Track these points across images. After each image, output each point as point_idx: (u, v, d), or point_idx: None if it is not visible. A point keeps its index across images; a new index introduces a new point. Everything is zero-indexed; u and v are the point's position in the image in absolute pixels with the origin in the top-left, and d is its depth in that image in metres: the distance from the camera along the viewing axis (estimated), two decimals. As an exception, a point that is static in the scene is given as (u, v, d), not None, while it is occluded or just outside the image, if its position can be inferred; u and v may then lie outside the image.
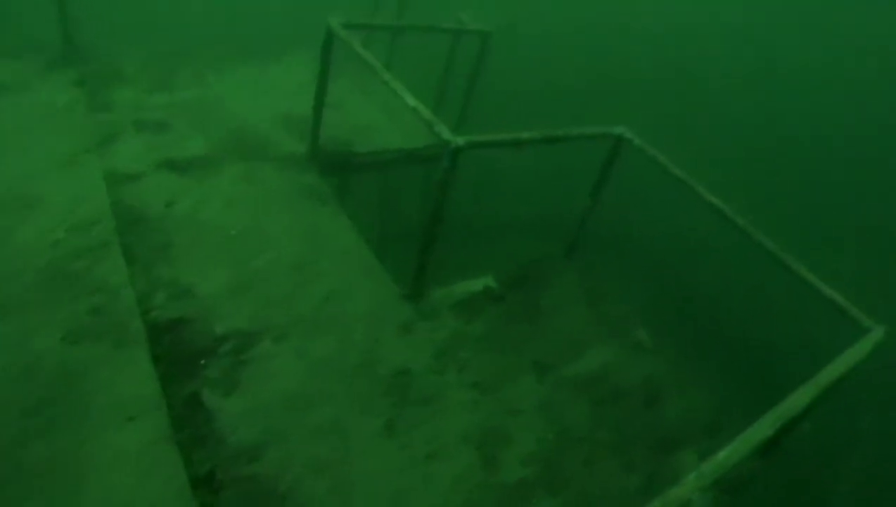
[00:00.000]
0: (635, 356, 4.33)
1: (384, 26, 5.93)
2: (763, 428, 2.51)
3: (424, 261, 4.01)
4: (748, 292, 8.22)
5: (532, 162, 6.60)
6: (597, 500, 3.42)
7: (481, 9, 6.23)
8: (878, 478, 7.83)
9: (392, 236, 5.66)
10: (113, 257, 3.80)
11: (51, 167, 4.40)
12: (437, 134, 3.63)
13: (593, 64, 12.13)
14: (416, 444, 3.39)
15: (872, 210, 10.90)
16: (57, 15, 5.45)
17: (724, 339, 5.98)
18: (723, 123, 11.97)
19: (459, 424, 3.55)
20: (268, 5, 9.24)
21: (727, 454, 2.30)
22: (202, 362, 3.44)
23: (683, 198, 4.19)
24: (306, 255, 4.36)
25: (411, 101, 3.86)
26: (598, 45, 12.89)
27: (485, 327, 4.19)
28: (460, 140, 3.54)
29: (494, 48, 5.74)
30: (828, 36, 15.17)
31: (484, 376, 3.86)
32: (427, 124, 3.72)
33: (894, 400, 8.58)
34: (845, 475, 7.87)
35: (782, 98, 13.78)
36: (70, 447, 2.85)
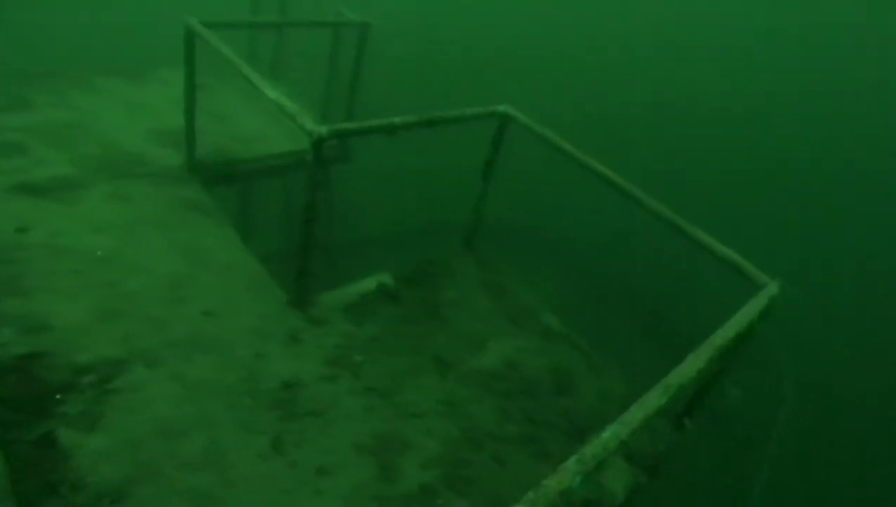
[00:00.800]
0: (544, 344, 4.21)
1: (249, 24, 5.67)
2: (652, 400, 2.38)
3: (304, 265, 3.78)
4: (656, 267, 8.26)
5: (431, 162, 6.48)
6: (509, 496, 3.24)
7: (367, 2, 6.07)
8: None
9: (285, 244, 5.39)
10: (-51, 294, 3.40)
11: None
12: (300, 126, 3.41)
13: (478, 45, 12.21)
14: (305, 460, 3.15)
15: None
16: None
17: (637, 316, 5.99)
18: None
19: (353, 433, 3.33)
20: (141, 19, 8.80)
21: (611, 434, 2.15)
22: (58, 397, 3.09)
23: (577, 177, 4.11)
24: (185, 272, 4.05)
25: (272, 93, 3.64)
26: (482, 26, 12.96)
27: (379, 327, 3.98)
28: (323, 129, 3.34)
29: (387, 41, 5.58)
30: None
31: (380, 380, 3.65)
32: (290, 117, 3.49)
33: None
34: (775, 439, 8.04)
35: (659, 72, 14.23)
36: None
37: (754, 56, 16.32)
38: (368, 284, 4.27)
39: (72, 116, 5.27)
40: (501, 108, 4.15)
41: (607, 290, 8.93)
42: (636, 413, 2.23)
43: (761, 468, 7.54)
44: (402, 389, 3.65)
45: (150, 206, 4.50)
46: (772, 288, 3.18)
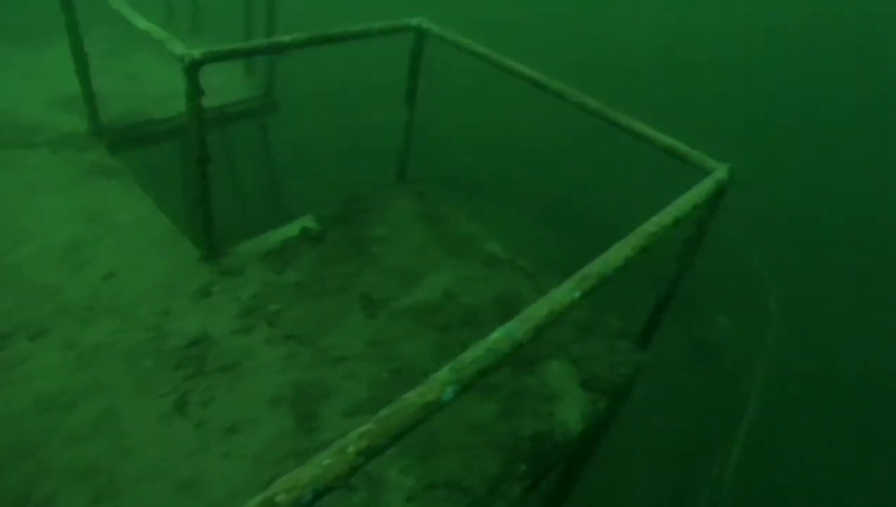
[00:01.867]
0: (487, 271, 3.84)
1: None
2: (564, 293, 1.98)
3: (207, 213, 3.40)
4: (604, 176, 7.75)
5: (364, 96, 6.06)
6: (446, 437, 2.91)
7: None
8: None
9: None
10: None
11: None
12: (171, 52, 3.01)
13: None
14: (213, 419, 2.81)
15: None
16: None
17: (586, 231, 5.62)
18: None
19: (269, 385, 2.98)
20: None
21: (503, 334, 1.74)
22: None
23: (513, 91, 3.71)
24: (85, 236, 3.69)
25: (142, 24, 3.23)
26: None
27: (301, 272, 3.62)
28: (196, 52, 2.93)
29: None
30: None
31: (301, 326, 3.30)
32: (160, 44, 3.09)
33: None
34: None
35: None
36: None
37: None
38: (291, 229, 3.90)
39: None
40: (415, 21, 3.73)
41: (555, 210, 8.56)
42: (541, 308, 1.84)
43: (749, 401, 7.26)
44: (325, 333, 3.30)
45: (46, 173, 4.12)
46: (719, 172, 2.79)
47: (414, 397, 1.43)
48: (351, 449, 1.29)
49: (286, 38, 3.21)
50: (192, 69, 2.96)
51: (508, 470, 2.76)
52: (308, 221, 3.96)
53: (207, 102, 5.05)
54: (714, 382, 7.97)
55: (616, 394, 3.26)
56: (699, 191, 2.59)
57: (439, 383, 1.47)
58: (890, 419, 7.59)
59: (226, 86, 5.36)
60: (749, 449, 6.67)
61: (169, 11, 6.31)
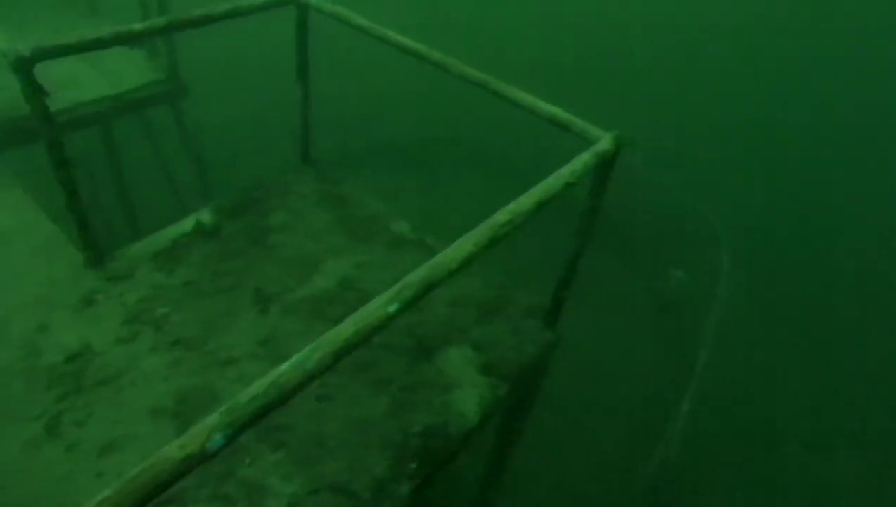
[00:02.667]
0: (391, 254, 3.69)
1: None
2: (377, 307, 1.81)
3: (80, 216, 3.20)
4: (512, 146, 7.52)
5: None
6: (333, 437, 2.81)
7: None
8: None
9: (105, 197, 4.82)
10: None
11: None
12: None
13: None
14: (88, 439, 2.68)
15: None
16: None
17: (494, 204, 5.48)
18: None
19: (151, 396, 2.85)
20: None
21: (290, 366, 1.57)
22: None
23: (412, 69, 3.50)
24: (-46, 250, 3.47)
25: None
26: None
27: (192, 271, 3.45)
28: (25, 50, 2.68)
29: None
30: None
31: (189, 329, 3.15)
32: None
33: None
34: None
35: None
36: None
37: None
38: (184, 225, 3.71)
39: None
40: (290, -9, 3.48)
41: (464, 184, 8.42)
42: (344, 330, 1.68)
43: (702, 347, 7.29)
44: (215, 335, 3.15)
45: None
46: (603, 143, 2.62)
47: (172, 450, 1.29)
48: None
49: (137, 27, 2.96)
50: (23, 68, 2.71)
51: (397, 469, 2.67)
52: (203, 215, 3.78)
53: (102, 90, 4.84)
54: (669, 330, 8.03)
55: (520, 378, 3.17)
56: (573, 167, 2.44)
57: (205, 429, 1.34)
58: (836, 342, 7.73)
59: (124, 70, 5.07)
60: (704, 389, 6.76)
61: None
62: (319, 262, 3.57)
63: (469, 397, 3.01)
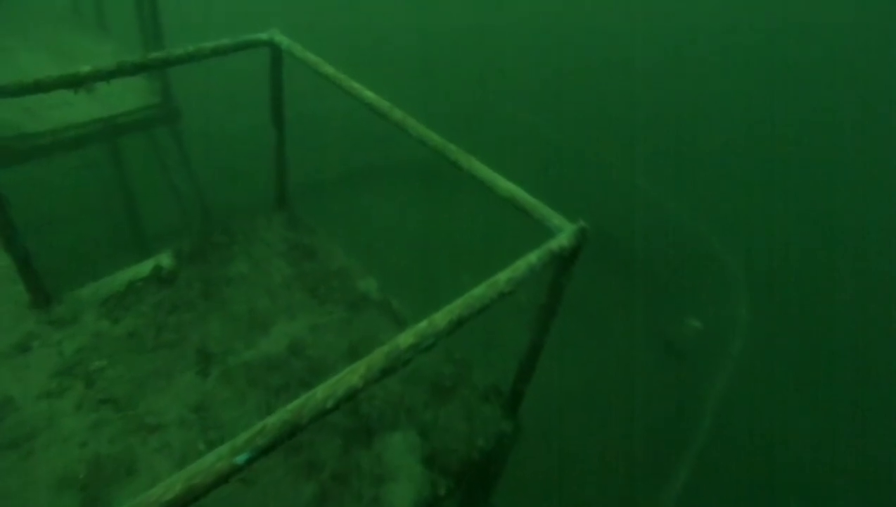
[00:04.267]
0: (350, 316, 3.47)
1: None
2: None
3: (19, 256, 3.06)
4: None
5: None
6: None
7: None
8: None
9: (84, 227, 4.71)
10: None
11: None
12: None
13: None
14: (-14, 509, 2.50)
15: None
16: None
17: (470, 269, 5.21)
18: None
19: (62, 462, 2.67)
20: None
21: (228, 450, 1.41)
22: None
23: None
24: None
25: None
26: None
27: (139, 321, 3.28)
28: None
29: None
30: None
31: (122, 387, 2.98)
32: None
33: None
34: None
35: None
36: None
37: None
38: (142, 268, 3.56)
39: None
40: (265, 35, 3.31)
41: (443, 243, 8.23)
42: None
43: (708, 399, 6.90)
44: (147, 396, 2.97)
45: None
46: (562, 238, 2.32)
47: None
48: None
49: (85, 70, 2.80)
50: None
51: (306, 575, 2.44)
52: (164, 258, 3.62)
53: (93, 112, 4.75)
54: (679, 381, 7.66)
55: (467, 473, 2.90)
56: (512, 273, 2.12)
57: None
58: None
59: (118, 92, 4.98)
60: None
61: (74, 4, 5.92)
62: (271, 322, 3.36)
63: (405, 492, 2.75)
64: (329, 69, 3.06)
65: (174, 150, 5.57)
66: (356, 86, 2.96)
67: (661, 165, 10.51)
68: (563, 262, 2.40)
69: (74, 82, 2.77)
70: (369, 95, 2.91)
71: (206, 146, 6.12)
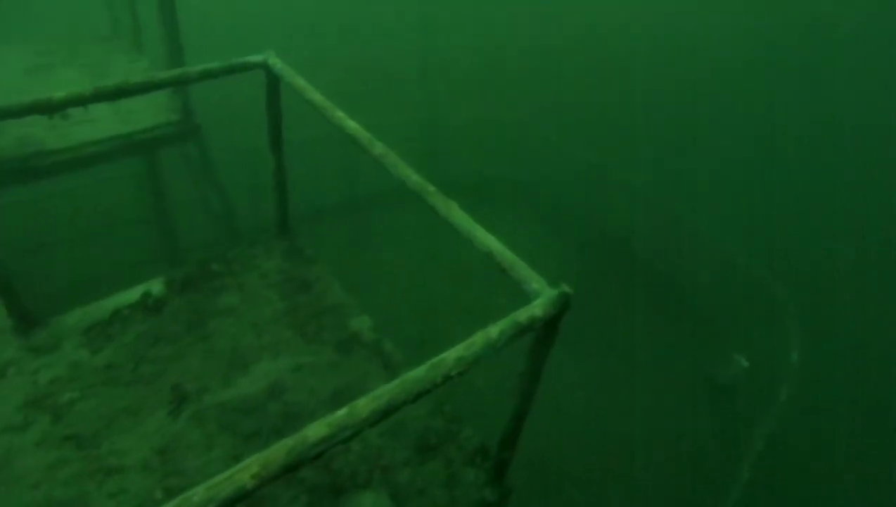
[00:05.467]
0: (338, 359, 3.25)
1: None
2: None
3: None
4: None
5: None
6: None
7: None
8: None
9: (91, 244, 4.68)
10: None
11: None
12: None
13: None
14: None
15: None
16: None
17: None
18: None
19: (10, 504, 2.53)
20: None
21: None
22: None
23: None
24: None
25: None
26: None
27: (119, 353, 3.15)
28: None
29: None
30: None
31: (90, 424, 2.84)
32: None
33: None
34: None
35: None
36: None
37: None
38: (130, 295, 3.44)
39: None
40: (259, 57, 3.15)
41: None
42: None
43: (756, 442, 6.37)
44: (114, 434, 2.82)
45: None
46: (540, 304, 1.99)
47: None
48: None
49: (59, 96, 2.68)
50: None
51: None
52: (155, 285, 3.50)
53: (115, 128, 4.73)
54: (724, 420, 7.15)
55: None
56: (465, 352, 1.81)
57: None
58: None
59: (139, 108, 4.96)
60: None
61: (114, 24, 5.98)
62: (253, 360, 3.17)
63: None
64: (316, 96, 2.86)
65: (199, 165, 5.51)
66: (340, 115, 2.75)
67: (708, 194, 9.95)
68: (538, 333, 2.09)
69: (47, 108, 2.65)
70: (351, 124, 2.69)
71: (233, 162, 6.05)
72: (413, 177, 2.43)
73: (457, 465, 2.83)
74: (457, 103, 10.93)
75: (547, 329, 2.04)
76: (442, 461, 2.84)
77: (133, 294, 3.44)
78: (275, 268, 3.67)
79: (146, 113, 4.95)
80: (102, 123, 4.81)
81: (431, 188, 2.37)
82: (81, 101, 2.72)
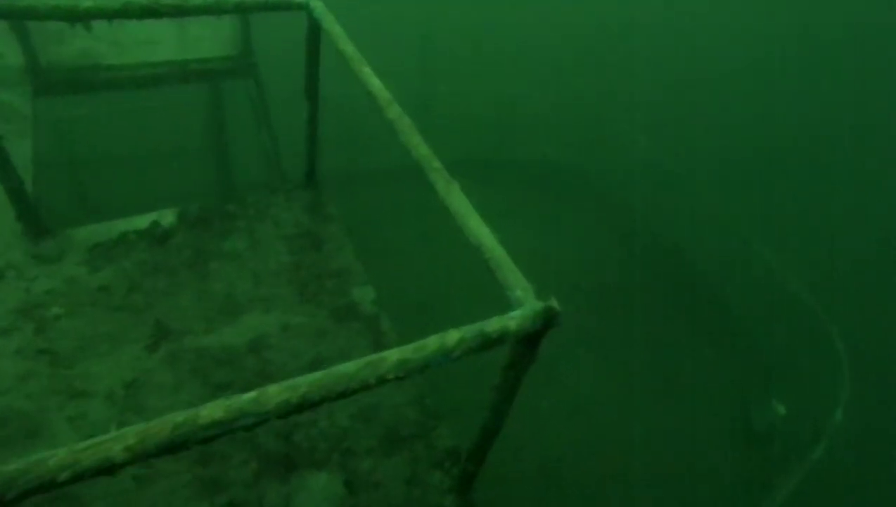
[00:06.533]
0: (330, 325, 3.09)
1: None
2: None
3: (9, 182, 2.96)
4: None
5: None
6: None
7: None
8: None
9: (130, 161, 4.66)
10: None
11: None
12: None
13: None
14: None
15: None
16: None
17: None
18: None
19: (-28, 410, 2.51)
20: None
21: None
22: None
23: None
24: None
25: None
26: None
27: (116, 276, 3.10)
28: None
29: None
30: None
31: (67, 343, 2.80)
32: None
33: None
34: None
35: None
36: None
37: None
38: (140, 220, 3.38)
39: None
40: (301, -1, 2.96)
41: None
42: None
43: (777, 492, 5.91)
44: (88, 358, 2.76)
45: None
46: (509, 320, 1.72)
47: None
48: None
49: (86, 4, 2.57)
50: None
51: None
52: (167, 216, 3.42)
53: (172, 54, 4.69)
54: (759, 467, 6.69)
55: None
56: (410, 355, 1.56)
57: None
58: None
59: (205, 38, 4.90)
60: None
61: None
62: (244, 310, 3.05)
63: None
64: (349, 47, 2.65)
65: (257, 103, 5.44)
66: (367, 70, 2.53)
67: (780, 221, 9.27)
68: (514, 348, 1.83)
69: (71, 16, 2.55)
70: (375, 83, 2.47)
71: (291, 104, 5.96)
72: (421, 148, 2.19)
73: (423, 464, 2.63)
74: (535, 88, 10.60)
75: (524, 346, 1.77)
76: (408, 456, 2.64)
77: (142, 221, 3.37)
78: (291, 219, 3.53)
79: (208, 43, 4.89)
80: (164, 46, 4.78)
81: (436, 164, 2.13)
82: (108, 14, 2.61)
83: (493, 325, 1.61)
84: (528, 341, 1.72)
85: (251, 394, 1.36)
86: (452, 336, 1.56)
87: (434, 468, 2.62)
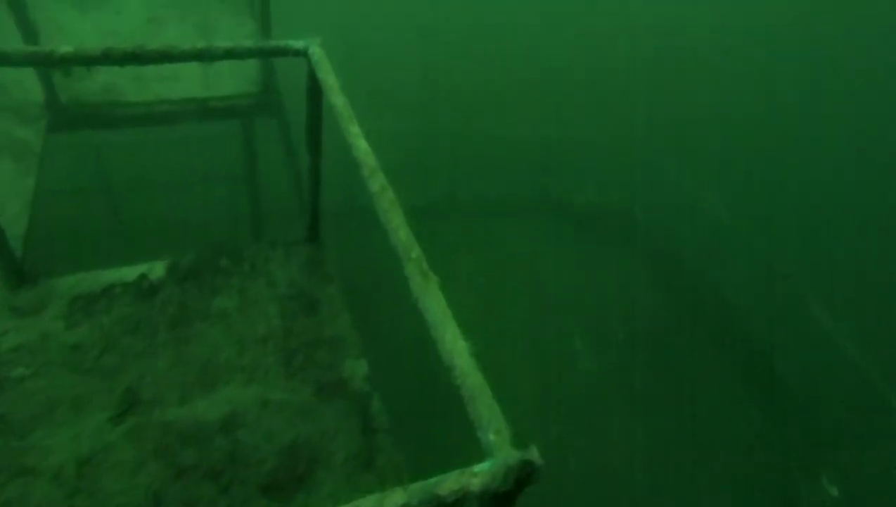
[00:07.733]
0: (312, 403, 2.78)
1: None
2: None
3: None
4: None
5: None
6: None
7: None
8: None
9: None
10: None
11: None
12: None
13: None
14: None
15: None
16: None
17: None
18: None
19: None
20: None
21: None
22: None
23: None
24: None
25: None
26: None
27: (92, 334, 2.88)
28: None
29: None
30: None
31: (25, 409, 2.58)
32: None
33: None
34: None
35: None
36: None
37: None
38: (128, 272, 3.17)
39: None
40: (299, 43, 2.73)
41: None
42: None
43: None
44: (46, 427, 2.53)
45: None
46: (472, 477, 1.32)
47: None
48: None
49: (63, 50, 2.38)
50: None
51: None
52: (156, 268, 3.20)
53: (193, 90, 4.55)
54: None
55: None
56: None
57: None
58: None
59: (229, 74, 4.76)
60: None
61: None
62: (223, 380, 2.77)
63: None
64: (339, 100, 2.39)
65: (281, 141, 5.27)
66: (355, 130, 2.25)
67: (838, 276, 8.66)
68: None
69: (48, 61, 2.37)
70: (362, 145, 2.18)
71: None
72: (401, 231, 1.88)
73: None
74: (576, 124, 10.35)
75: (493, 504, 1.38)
76: None
77: (130, 273, 3.16)
78: (286, 279, 3.26)
79: (231, 80, 4.75)
80: (184, 82, 4.66)
81: (415, 253, 1.80)
82: (87, 61, 2.42)
83: (448, 484, 1.25)
84: (499, 502, 1.34)
85: None
86: (393, 500, 1.21)
87: None
